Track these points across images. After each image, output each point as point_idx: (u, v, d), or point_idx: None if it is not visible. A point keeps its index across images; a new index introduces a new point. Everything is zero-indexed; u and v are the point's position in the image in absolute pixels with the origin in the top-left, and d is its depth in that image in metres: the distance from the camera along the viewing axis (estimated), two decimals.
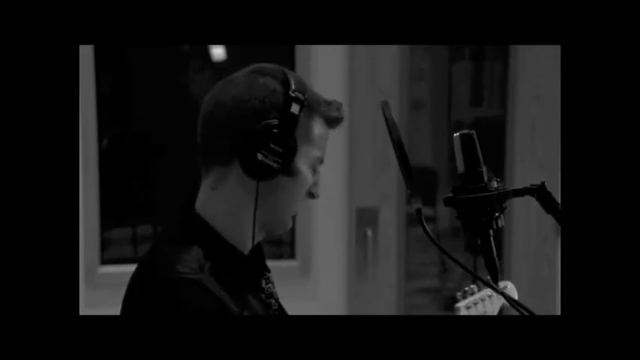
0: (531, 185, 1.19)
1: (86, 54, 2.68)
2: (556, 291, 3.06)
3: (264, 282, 1.43)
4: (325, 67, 2.86)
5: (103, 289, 2.72)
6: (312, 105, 1.36)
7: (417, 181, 1.21)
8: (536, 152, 3.05)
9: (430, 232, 1.21)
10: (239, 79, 1.37)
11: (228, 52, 3.04)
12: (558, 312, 2.45)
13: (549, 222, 2.94)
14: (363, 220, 2.93)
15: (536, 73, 3.02)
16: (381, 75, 2.90)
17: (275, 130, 1.30)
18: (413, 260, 3.17)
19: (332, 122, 1.42)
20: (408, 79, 3.01)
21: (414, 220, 1.29)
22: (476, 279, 1.34)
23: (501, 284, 1.63)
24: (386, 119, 1.24)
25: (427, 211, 3.73)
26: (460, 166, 1.20)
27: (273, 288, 1.45)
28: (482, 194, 1.18)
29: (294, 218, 1.43)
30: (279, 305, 1.48)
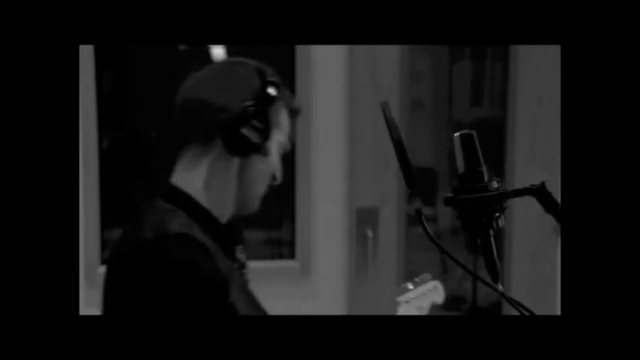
0: (531, 185, 1.19)
1: (86, 54, 2.68)
2: (556, 291, 3.06)
3: (238, 252, 1.55)
4: (325, 67, 2.86)
5: None
6: (282, 95, 1.52)
7: (417, 181, 1.21)
8: (536, 152, 3.05)
9: (430, 232, 1.21)
10: (217, 68, 1.54)
11: (229, 52, 3.04)
12: (558, 312, 2.45)
13: (549, 222, 2.94)
14: (363, 220, 2.93)
15: (536, 73, 3.02)
16: (381, 75, 2.90)
17: (256, 109, 1.44)
18: (413, 260, 3.17)
19: (294, 113, 1.58)
20: (408, 79, 3.01)
21: (414, 220, 1.30)
22: (476, 279, 1.34)
23: (430, 284, 1.86)
24: (386, 119, 1.24)
25: (427, 211, 3.73)
26: (460, 166, 1.20)
27: (245, 259, 1.57)
28: (482, 194, 1.18)
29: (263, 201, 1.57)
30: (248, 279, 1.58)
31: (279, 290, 2.86)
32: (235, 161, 1.46)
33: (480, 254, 1.22)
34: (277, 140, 1.52)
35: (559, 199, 1.17)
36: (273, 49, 2.91)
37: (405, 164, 1.22)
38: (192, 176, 1.48)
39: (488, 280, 1.20)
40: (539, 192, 1.18)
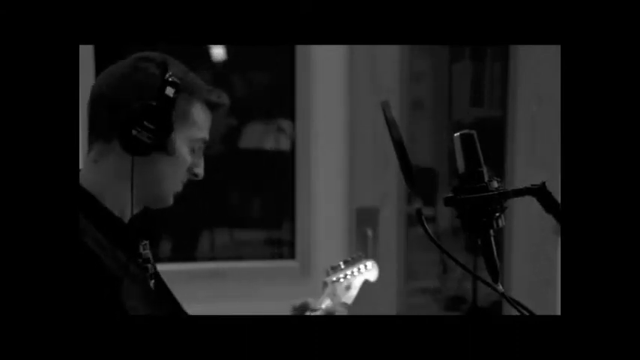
0: (532, 185, 1.19)
1: (86, 54, 2.68)
2: (556, 291, 3.06)
3: (141, 248, 1.53)
4: (325, 67, 2.86)
5: None
6: (191, 89, 1.49)
7: (417, 181, 1.21)
8: (536, 152, 3.05)
9: (430, 232, 1.21)
10: (125, 63, 1.51)
11: (229, 52, 3.04)
12: (558, 312, 2.45)
13: (549, 222, 2.94)
14: (363, 220, 2.93)
15: (536, 73, 3.02)
16: (381, 75, 2.90)
17: (149, 109, 1.42)
18: (413, 260, 3.17)
19: (213, 107, 1.53)
20: (408, 79, 3.01)
21: (414, 220, 1.30)
22: (476, 279, 1.34)
23: (364, 262, 1.88)
24: (386, 119, 1.24)
25: (427, 211, 3.73)
26: (460, 166, 1.20)
27: (150, 255, 1.55)
28: (482, 194, 1.18)
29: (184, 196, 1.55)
30: (156, 270, 1.57)
31: (279, 290, 2.86)
32: (137, 160, 1.44)
33: (479, 254, 1.22)
34: (188, 137, 1.49)
35: (559, 199, 1.17)
36: (273, 49, 2.91)
37: (405, 164, 1.22)
38: (94, 174, 1.49)
39: (489, 280, 1.20)
40: (540, 192, 1.18)
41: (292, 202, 2.93)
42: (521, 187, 1.19)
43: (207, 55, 3.03)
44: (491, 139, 3.12)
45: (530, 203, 1.22)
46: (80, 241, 1.35)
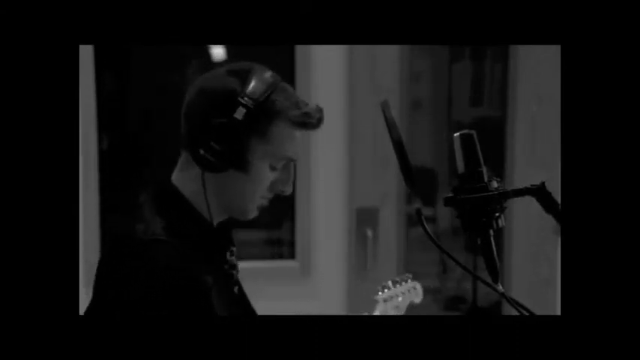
0: (531, 185, 1.19)
1: (86, 54, 2.68)
2: (556, 291, 3.06)
3: (228, 254, 1.52)
4: (325, 67, 2.86)
5: None
6: (271, 109, 1.42)
7: (417, 181, 1.21)
8: (536, 152, 3.05)
9: (430, 232, 1.21)
10: (212, 75, 1.47)
11: (228, 52, 3.04)
12: (558, 312, 2.45)
13: (549, 222, 2.94)
14: (363, 220, 2.93)
15: (536, 73, 3.02)
16: (381, 75, 2.90)
17: (217, 130, 1.39)
18: (413, 260, 3.17)
19: (300, 125, 1.47)
20: (408, 79, 3.01)
21: (414, 220, 1.30)
22: (476, 279, 1.34)
23: (410, 284, 1.89)
24: (386, 119, 1.24)
25: (427, 211, 3.73)
26: (460, 166, 1.20)
27: (236, 261, 1.54)
28: (482, 194, 1.18)
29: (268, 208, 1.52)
30: (238, 280, 1.56)
31: (279, 290, 2.86)
32: (215, 174, 1.42)
33: (479, 254, 1.22)
34: (267, 155, 1.44)
35: (559, 199, 1.17)
36: (273, 49, 2.91)
37: (405, 164, 1.22)
38: (187, 178, 1.47)
39: (489, 280, 1.20)
40: (539, 192, 1.18)
41: (292, 202, 2.93)
42: (521, 187, 1.19)
43: (207, 55, 3.03)
44: (491, 139, 3.12)
45: (530, 203, 1.21)
46: (171, 243, 1.35)
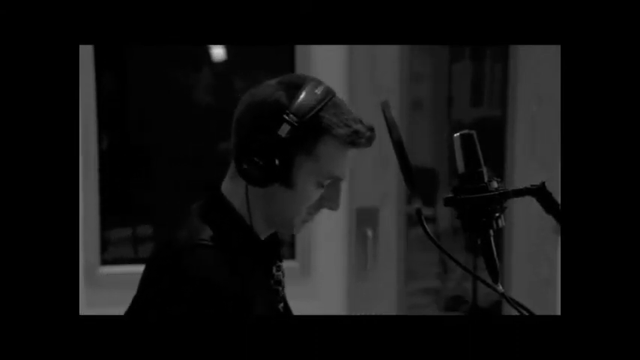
0: (531, 185, 1.19)
1: (86, 54, 2.68)
2: (556, 291, 3.06)
3: (275, 269, 1.50)
4: (325, 67, 2.86)
5: (103, 289, 2.72)
6: (318, 126, 1.38)
7: (417, 181, 1.21)
8: (536, 152, 3.05)
9: (430, 232, 1.21)
10: (262, 87, 1.43)
11: (229, 52, 3.04)
12: (558, 312, 2.45)
13: (549, 222, 2.94)
14: (363, 220, 2.93)
15: (536, 73, 3.02)
16: (381, 75, 2.90)
17: (261, 146, 1.36)
18: (413, 260, 3.17)
19: (349, 144, 1.42)
20: (408, 79, 3.01)
21: (414, 220, 1.30)
22: (476, 279, 1.34)
23: None
24: (386, 119, 1.24)
25: (427, 211, 3.73)
26: (460, 166, 1.20)
27: (283, 277, 1.51)
28: (482, 194, 1.18)
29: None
30: (284, 297, 1.53)
31: None
32: (259, 189, 1.40)
33: (479, 254, 1.22)
34: (313, 172, 1.40)
35: (559, 199, 1.18)
36: (273, 49, 2.91)
37: (405, 164, 1.22)
38: (236, 189, 1.44)
39: (488, 280, 1.20)
40: (539, 192, 1.18)
41: None
42: (521, 187, 1.19)
43: (207, 55, 3.03)
44: (491, 139, 3.12)
45: (530, 203, 1.22)
46: (216, 248, 1.34)
